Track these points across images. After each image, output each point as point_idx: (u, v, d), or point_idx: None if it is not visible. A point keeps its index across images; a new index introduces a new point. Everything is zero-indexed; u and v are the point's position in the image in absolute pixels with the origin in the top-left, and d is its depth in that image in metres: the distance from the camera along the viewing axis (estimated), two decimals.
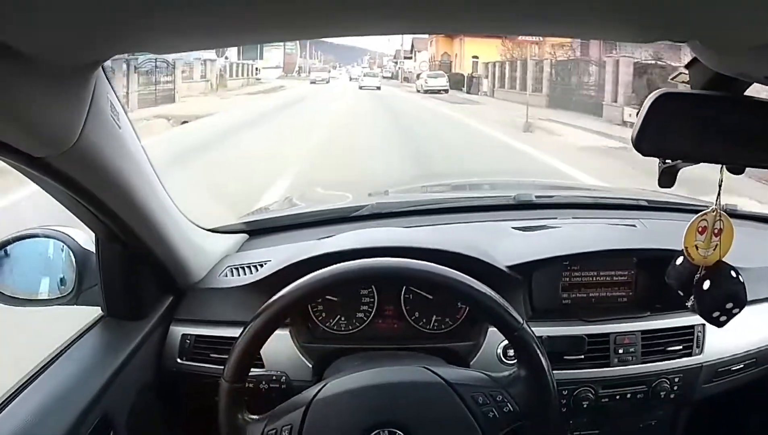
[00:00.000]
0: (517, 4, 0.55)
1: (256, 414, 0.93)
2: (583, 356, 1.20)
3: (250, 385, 1.03)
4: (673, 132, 0.73)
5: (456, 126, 13.18)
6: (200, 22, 0.55)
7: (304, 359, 1.17)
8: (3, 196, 4.44)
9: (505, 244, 1.32)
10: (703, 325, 1.22)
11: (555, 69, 18.59)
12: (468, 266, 1.04)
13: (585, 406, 1.19)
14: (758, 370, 1.30)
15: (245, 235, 1.48)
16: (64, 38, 0.55)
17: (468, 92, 25.20)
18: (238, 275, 1.27)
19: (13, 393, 0.89)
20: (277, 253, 1.32)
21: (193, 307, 1.22)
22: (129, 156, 0.88)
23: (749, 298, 0.89)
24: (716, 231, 0.87)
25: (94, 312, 1.11)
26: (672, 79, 0.84)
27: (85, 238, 1.09)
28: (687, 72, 0.79)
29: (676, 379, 1.22)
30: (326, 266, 0.95)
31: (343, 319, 1.24)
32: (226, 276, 1.28)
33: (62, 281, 1.09)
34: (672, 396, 1.22)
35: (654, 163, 0.82)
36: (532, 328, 0.95)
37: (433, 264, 0.96)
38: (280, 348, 1.15)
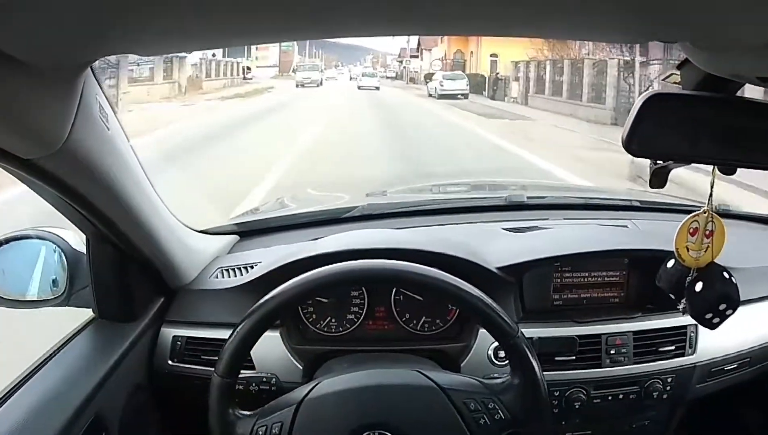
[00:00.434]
0: (508, 6, 0.55)
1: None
2: (574, 357, 1.20)
3: (241, 387, 1.03)
4: (665, 133, 0.73)
5: (517, 171, 7.45)
6: (189, 23, 0.55)
7: (294, 361, 1.16)
8: None
9: (496, 245, 1.31)
10: (696, 325, 1.22)
11: (623, 72, 13.23)
12: (459, 267, 1.04)
13: (577, 406, 1.19)
14: (752, 369, 1.30)
15: (236, 237, 1.47)
16: (52, 40, 0.55)
17: (492, 98, 20.37)
18: (229, 277, 1.27)
19: (6, 394, 0.88)
20: (268, 254, 1.31)
21: (184, 309, 1.22)
22: (118, 157, 0.88)
23: (742, 298, 0.89)
24: (708, 232, 0.86)
25: (85, 315, 1.10)
26: (664, 79, 0.84)
27: (77, 239, 1.08)
28: (679, 72, 0.79)
29: (669, 380, 1.22)
30: (317, 268, 0.94)
31: (333, 320, 1.23)
32: (217, 277, 1.27)
33: (54, 283, 1.08)
34: (665, 396, 1.22)
35: None
36: (523, 330, 0.94)
37: (425, 266, 0.95)
38: (271, 350, 1.15)
